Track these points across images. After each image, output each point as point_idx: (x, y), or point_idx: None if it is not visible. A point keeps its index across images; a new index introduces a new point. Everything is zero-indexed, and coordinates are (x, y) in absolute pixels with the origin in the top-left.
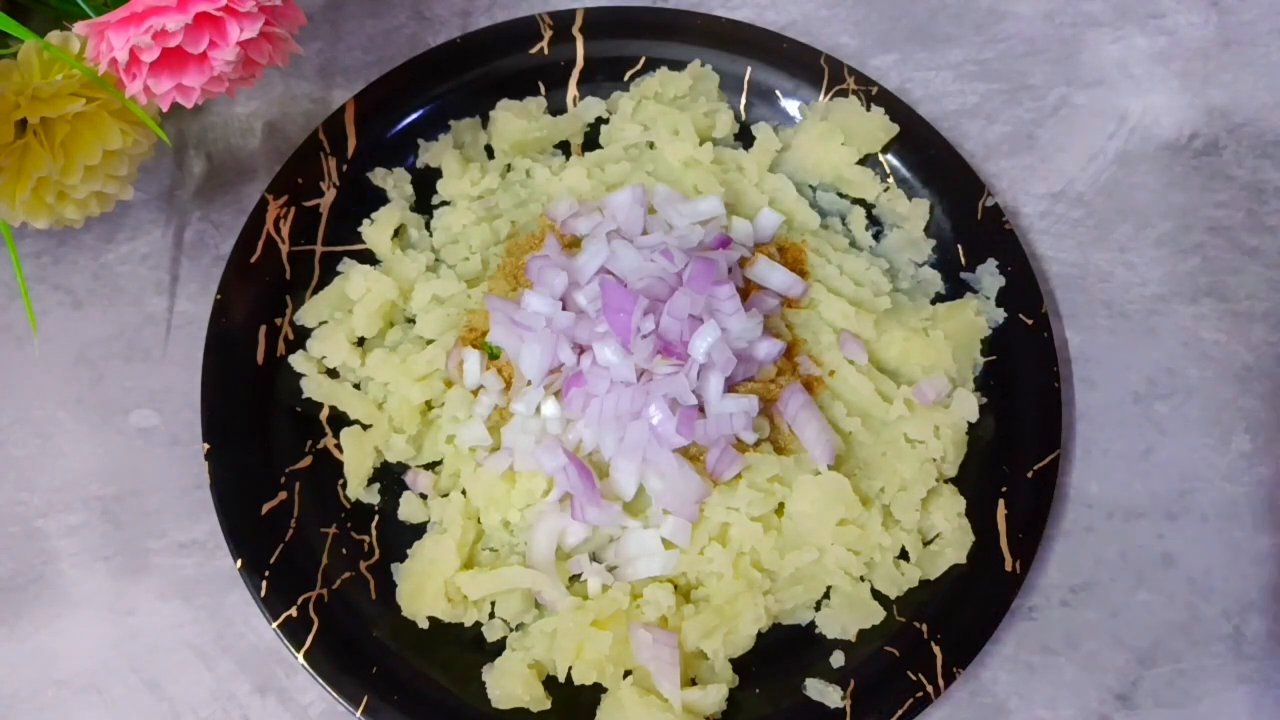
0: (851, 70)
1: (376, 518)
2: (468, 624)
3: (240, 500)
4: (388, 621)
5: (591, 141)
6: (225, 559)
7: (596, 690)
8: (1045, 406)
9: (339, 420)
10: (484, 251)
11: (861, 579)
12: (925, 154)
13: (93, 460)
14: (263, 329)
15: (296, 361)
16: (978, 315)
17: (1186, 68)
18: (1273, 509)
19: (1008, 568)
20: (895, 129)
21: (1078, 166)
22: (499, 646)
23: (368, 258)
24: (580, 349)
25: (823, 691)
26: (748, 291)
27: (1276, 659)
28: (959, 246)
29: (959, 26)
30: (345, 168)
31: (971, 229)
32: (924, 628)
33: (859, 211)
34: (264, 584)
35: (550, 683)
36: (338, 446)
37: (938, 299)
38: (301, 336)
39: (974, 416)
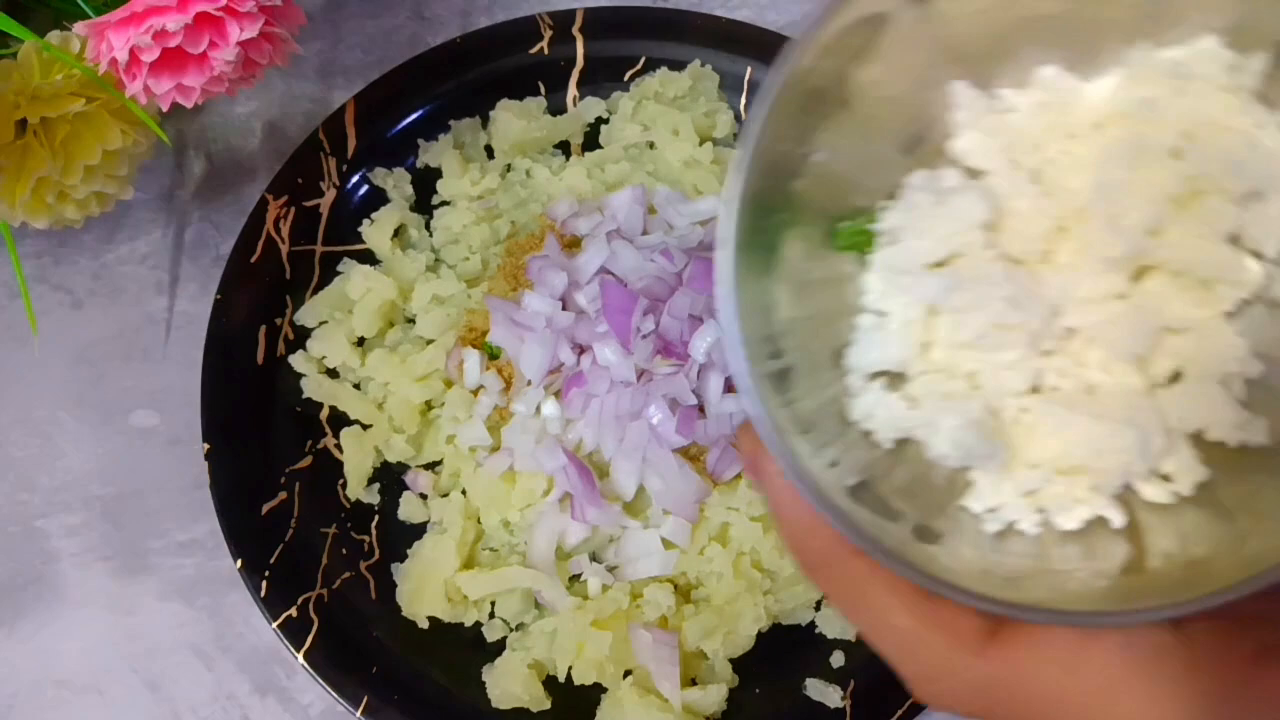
0: None
1: (376, 518)
2: (468, 624)
3: (240, 500)
4: (388, 621)
5: (591, 141)
6: (225, 559)
7: (596, 690)
8: None
9: (339, 420)
10: (484, 251)
11: None
12: None
13: (93, 460)
14: (263, 329)
15: (296, 361)
16: None
17: None
18: None
19: None
20: None
21: None
22: (499, 646)
23: (368, 258)
24: (580, 349)
25: (823, 691)
26: None
27: None
28: None
29: None
30: (345, 168)
31: None
32: None
33: None
34: (264, 584)
35: (550, 683)
36: (338, 446)
37: None
38: (301, 336)
39: None
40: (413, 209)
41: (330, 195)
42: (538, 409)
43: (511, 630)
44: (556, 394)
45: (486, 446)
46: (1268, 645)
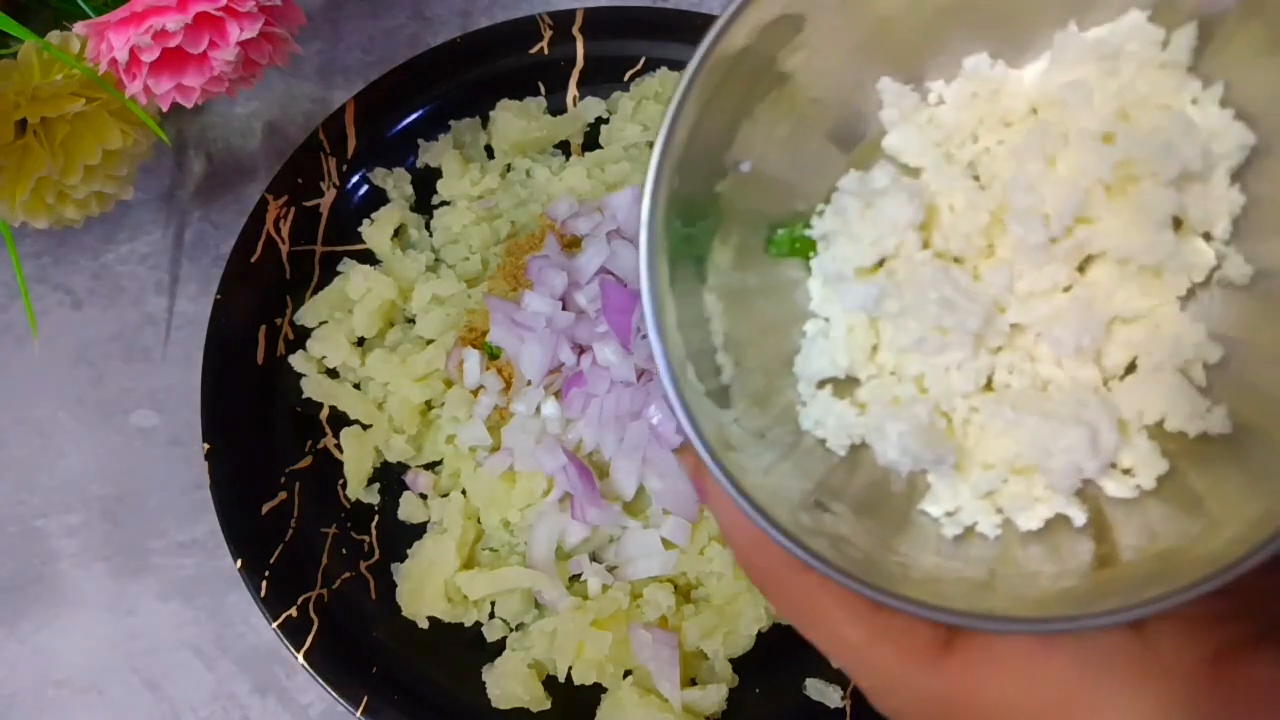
0: None
1: (376, 518)
2: (468, 624)
3: (240, 500)
4: (388, 621)
5: (591, 141)
6: (225, 559)
7: (596, 690)
8: None
9: (339, 420)
10: (484, 251)
11: None
12: None
13: (93, 460)
14: (263, 329)
15: (296, 361)
16: None
17: None
18: None
19: None
20: None
21: None
22: (499, 646)
23: (368, 258)
24: (580, 349)
25: (823, 691)
26: None
27: None
28: None
29: None
30: (345, 168)
31: None
32: None
33: None
34: (264, 584)
35: (550, 683)
36: (338, 446)
37: None
38: (301, 336)
39: None
40: (413, 209)
41: (330, 195)
42: (538, 409)
43: (511, 630)
44: (556, 394)
45: (486, 446)
46: (1228, 646)
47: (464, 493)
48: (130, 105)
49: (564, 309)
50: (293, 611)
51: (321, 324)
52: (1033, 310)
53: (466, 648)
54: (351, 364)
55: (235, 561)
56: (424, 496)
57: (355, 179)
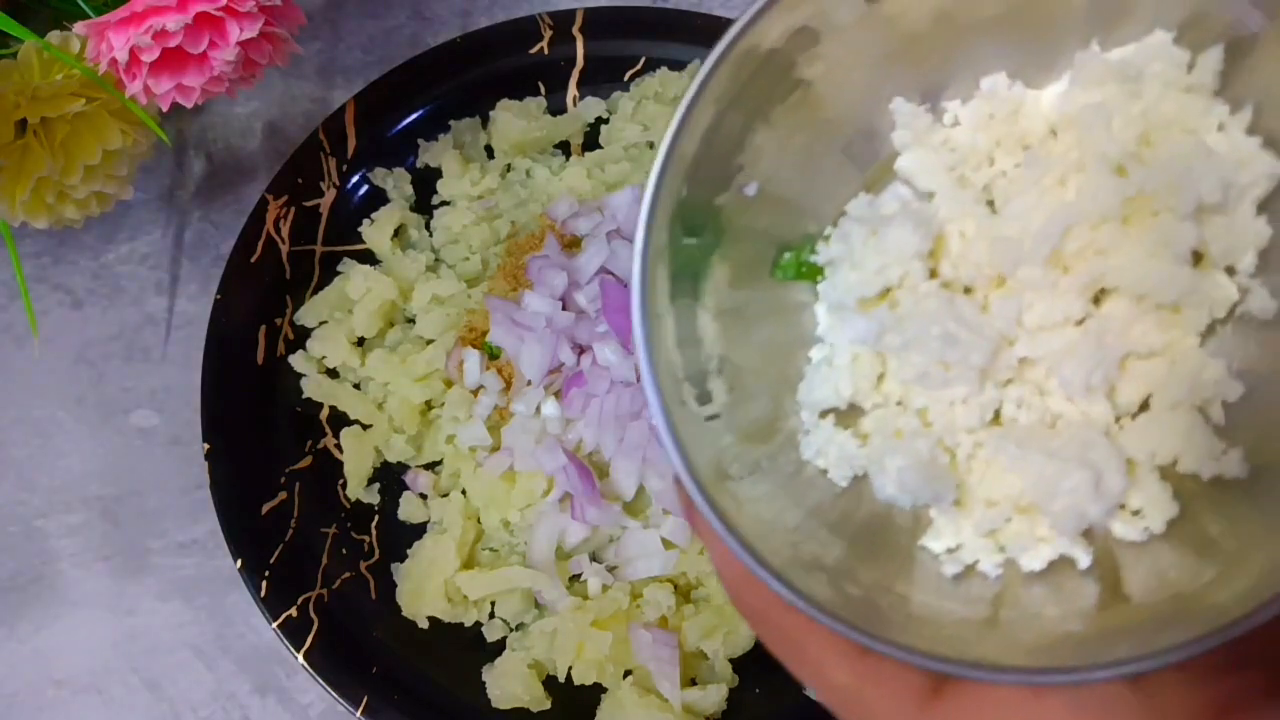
0: None
1: (376, 518)
2: (468, 624)
3: (240, 500)
4: (388, 621)
5: (591, 141)
6: (225, 559)
7: (596, 690)
8: None
9: (339, 420)
10: (484, 251)
11: None
12: None
13: (93, 460)
14: (263, 329)
15: (296, 361)
16: None
17: None
18: None
19: None
20: None
21: None
22: (499, 646)
23: (368, 258)
24: (580, 349)
25: None
26: None
27: None
28: None
29: None
30: (345, 168)
31: None
32: None
33: None
34: (264, 584)
35: (550, 683)
36: (338, 446)
37: None
38: (301, 336)
39: None
40: (413, 209)
41: (330, 195)
42: (538, 409)
43: (511, 630)
44: (556, 394)
45: (486, 446)
46: (1235, 698)
47: (464, 493)
48: (130, 105)
49: (564, 309)
50: (293, 611)
51: (321, 324)
52: (1042, 344)
53: (466, 648)
54: (351, 364)
55: (235, 561)
56: (424, 496)
57: (355, 179)
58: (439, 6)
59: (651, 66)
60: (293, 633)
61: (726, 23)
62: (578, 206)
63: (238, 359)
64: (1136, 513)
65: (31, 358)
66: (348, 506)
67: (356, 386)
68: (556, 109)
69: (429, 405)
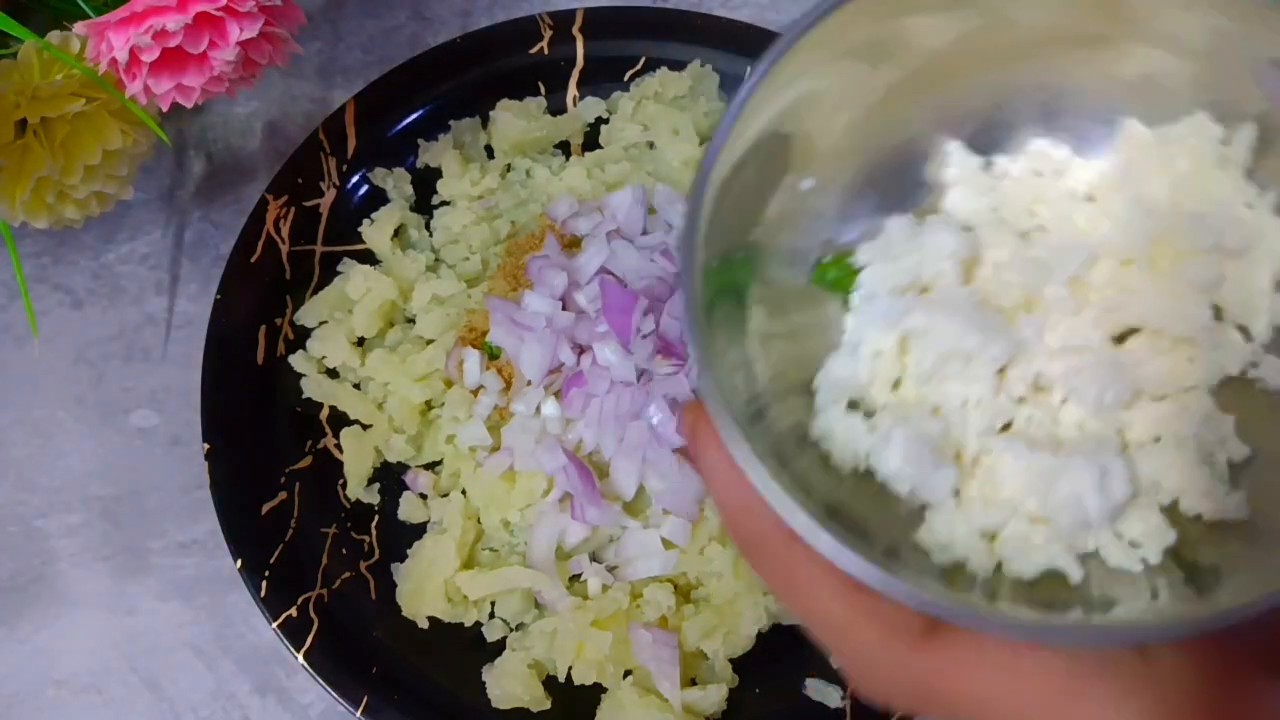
0: None
1: (376, 518)
2: (468, 624)
3: (240, 500)
4: (388, 621)
5: (591, 141)
6: (225, 559)
7: (596, 690)
8: None
9: (339, 420)
10: (484, 251)
11: None
12: None
13: (93, 460)
14: (263, 329)
15: (296, 361)
16: None
17: None
18: None
19: None
20: None
21: None
22: (499, 646)
23: (368, 258)
24: (580, 349)
25: (823, 691)
26: None
27: None
28: None
29: None
30: (345, 168)
31: None
32: None
33: None
34: (264, 584)
35: (550, 683)
36: (338, 446)
37: None
38: (301, 336)
39: None
40: (413, 209)
41: (330, 195)
42: (538, 409)
43: (511, 630)
44: (556, 394)
45: (486, 446)
46: (1235, 673)
47: (464, 493)
48: (130, 105)
49: (564, 309)
50: (293, 611)
51: (321, 324)
52: (1060, 362)
53: (466, 648)
54: (351, 364)
55: (235, 561)
56: (424, 496)
57: (355, 179)
58: (439, 6)
59: (651, 66)
60: (293, 633)
61: (727, 23)
62: (578, 206)
63: (238, 359)
64: (1134, 544)
65: (31, 358)
66: (348, 506)
67: (356, 386)
68: (556, 109)
69: (429, 405)
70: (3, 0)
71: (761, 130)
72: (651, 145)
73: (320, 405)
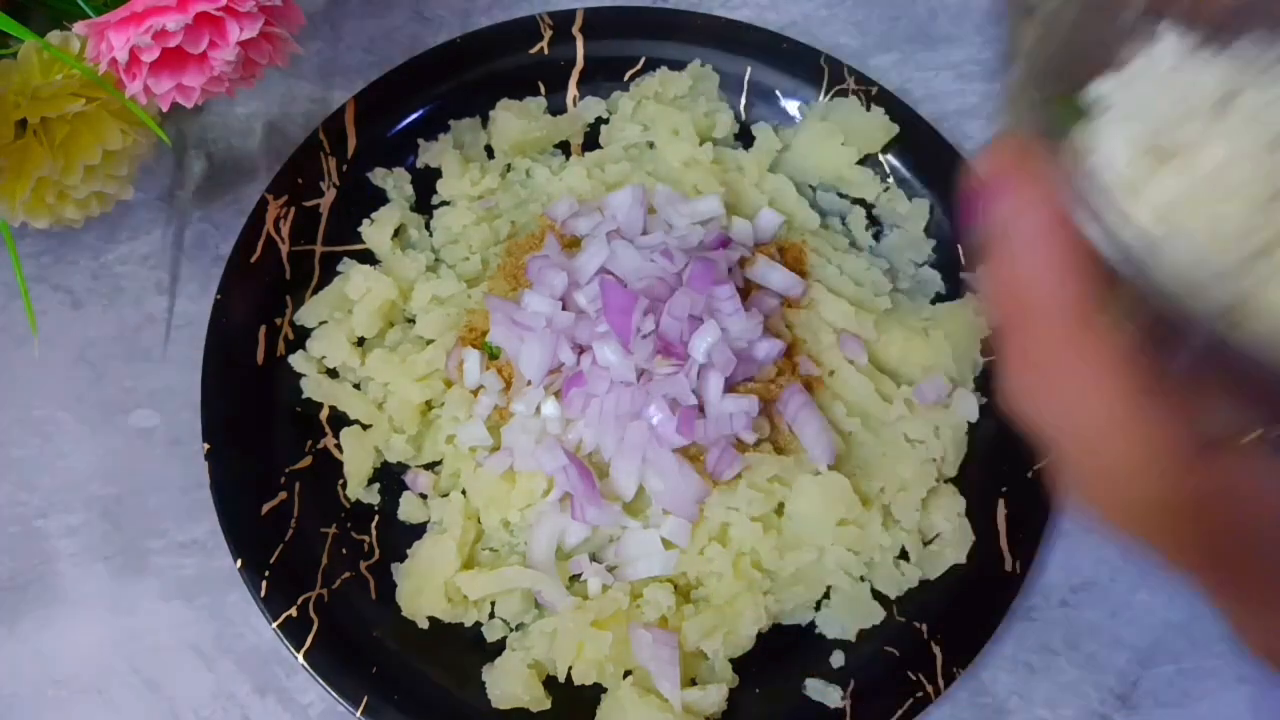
0: (851, 70)
1: (376, 518)
2: (468, 624)
3: (240, 500)
4: (388, 621)
5: (591, 141)
6: (225, 559)
7: (596, 690)
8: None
9: (339, 420)
10: (484, 251)
11: (861, 579)
12: (926, 154)
13: (93, 460)
14: (263, 329)
15: (296, 361)
16: (978, 315)
17: None
18: None
19: (1008, 568)
20: (895, 129)
21: None
22: (499, 646)
23: (368, 258)
24: (580, 349)
25: (823, 691)
26: (748, 291)
27: None
28: (959, 246)
29: (959, 26)
30: (345, 168)
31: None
32: (924, 628)
33: (859, 211)
34: (264, 584)
35: (550, 683)
36: (338, 446)
37: (938, 299)
38: (301, 336)
39: (974, 416)
40: (413, 209)
41: (330, 195)
42: (538, 409)
43: (511, 630)
44: (556, 394)
45: (486, 446)
46: None
47: (464, 493)
48: (130, 105)
49: (564, 309)
50: (293, 611)
51: (321, 324)
52: None
53: (466, 648)
54: (351, 364)
55: (235, 561)
56: (424, 496)
57: (355, 179)
58: (439, 6)
59: (651, 66)
60: (293, 633)
61: (727, 23)
62: (578, 206)
63: (238, 359)
64: None
65: (31, 358)
66: (348, 506)
67: (356, 386)
68: (556, 109)
69: (429, 405)
70: (3, 1)
71: None
72: (651, 145)
73: (320, 405)
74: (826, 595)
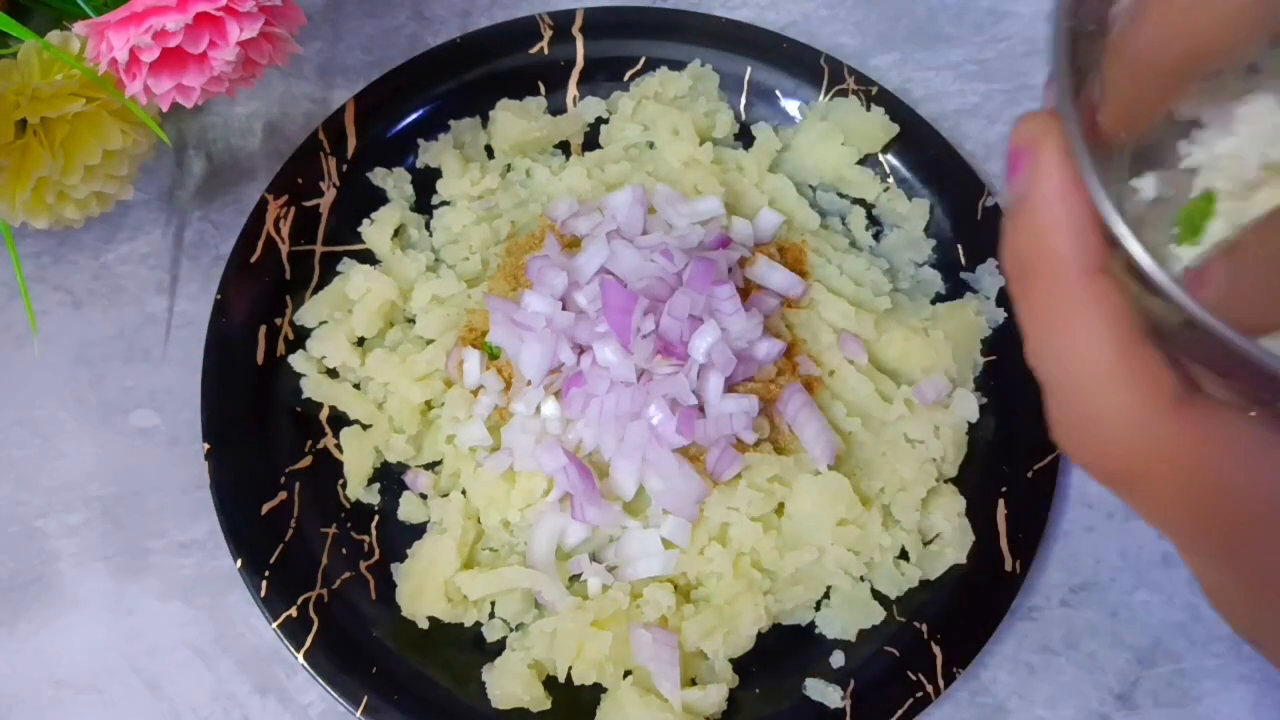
0: (851, 70)
1: (376, 518)
2: (468, 624)
3: (240, 500)
4: (388, 621)
5: (591, 141)
6: (225, 559)
7: (596, 690)
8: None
9: (339, 420)
10: (484, 251)
11: (861, 579)
12: (925, 154)
13: (93, 460)
14: (263, 329)
15: (296, 361)
16: (978, 315)
17: None
18: None
19: (1008, 567)
20: (895, 129)
21: None
22: (499, 646)
23: (368, 258)
24: (580, 349)
25: (823, 691)
26: (748, 291)
27: None
28: (959, 246)
29: (959, 26)
30: (345, 168)
31: (972, 229)
32: (924, 628)
33: (859, 211)
34: (264, 584)
35: (550, 683)
36: (338, 446)
37: (938, 299)
38: (301, 336)
39: (974, 416)
40: (413, 209)
41: (330, 195)
42: (538, 409)
43: (511, 630)
44: (556, 394)
45: (486, 446)
46: None
47: (464, 493)
48: (130, 105)
49: (564, 309)
50: (293, 611)
51: (321, 324)
52: None
53: (466, 648)
54: (351, 364)
55: (235, 561)
56: (424, 496)
57: (355, 179)
58: (439, 6)
59: (651, 66)
60: (293, 633)
61: (727, 23)
62: (578, 206)
63: (238, 359)
64: None
65: (31, 358)
66: (348, 506)
67: (356, 386)
68: (556, 109)
69: (429, 405)
70: (3, 1)
71: None
72: (651, 145)
73: (320, 405)
74: (826, 595)
